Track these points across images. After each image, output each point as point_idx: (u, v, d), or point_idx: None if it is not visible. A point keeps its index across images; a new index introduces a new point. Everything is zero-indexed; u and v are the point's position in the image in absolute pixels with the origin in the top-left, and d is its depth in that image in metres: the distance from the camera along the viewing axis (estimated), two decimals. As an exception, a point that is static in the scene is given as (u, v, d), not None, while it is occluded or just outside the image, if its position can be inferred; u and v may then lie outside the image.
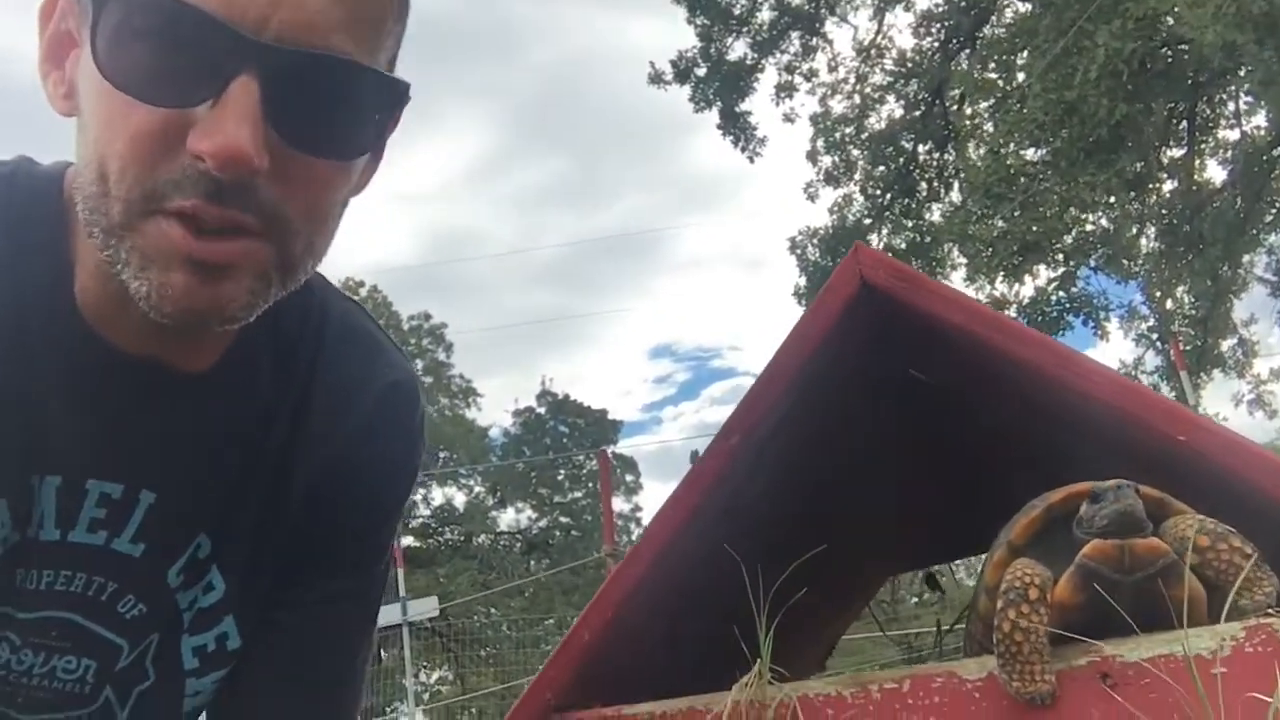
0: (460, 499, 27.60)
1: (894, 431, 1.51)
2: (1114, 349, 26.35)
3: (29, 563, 0.85)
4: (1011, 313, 11.67)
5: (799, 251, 14.79)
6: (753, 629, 1.04)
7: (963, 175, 13.01)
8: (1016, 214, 10.56)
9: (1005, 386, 1.22)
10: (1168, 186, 12.01)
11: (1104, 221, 11.94)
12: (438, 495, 27.38)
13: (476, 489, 28.00)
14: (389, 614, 10.40)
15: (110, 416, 0.85)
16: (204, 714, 1.02)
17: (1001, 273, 11.24)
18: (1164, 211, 11.58)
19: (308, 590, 0.99)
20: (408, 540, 25.44)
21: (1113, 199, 11.02)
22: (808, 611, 1.63)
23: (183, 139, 0.70)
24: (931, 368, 1.30)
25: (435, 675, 21.02)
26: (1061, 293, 11.84)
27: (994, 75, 12.52)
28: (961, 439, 1.58)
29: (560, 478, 27.88)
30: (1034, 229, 10.46)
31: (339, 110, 0.75)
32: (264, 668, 0.99)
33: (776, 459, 1.22)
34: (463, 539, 26.54)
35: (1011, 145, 10.91)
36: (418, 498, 26.81)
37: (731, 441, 1.13)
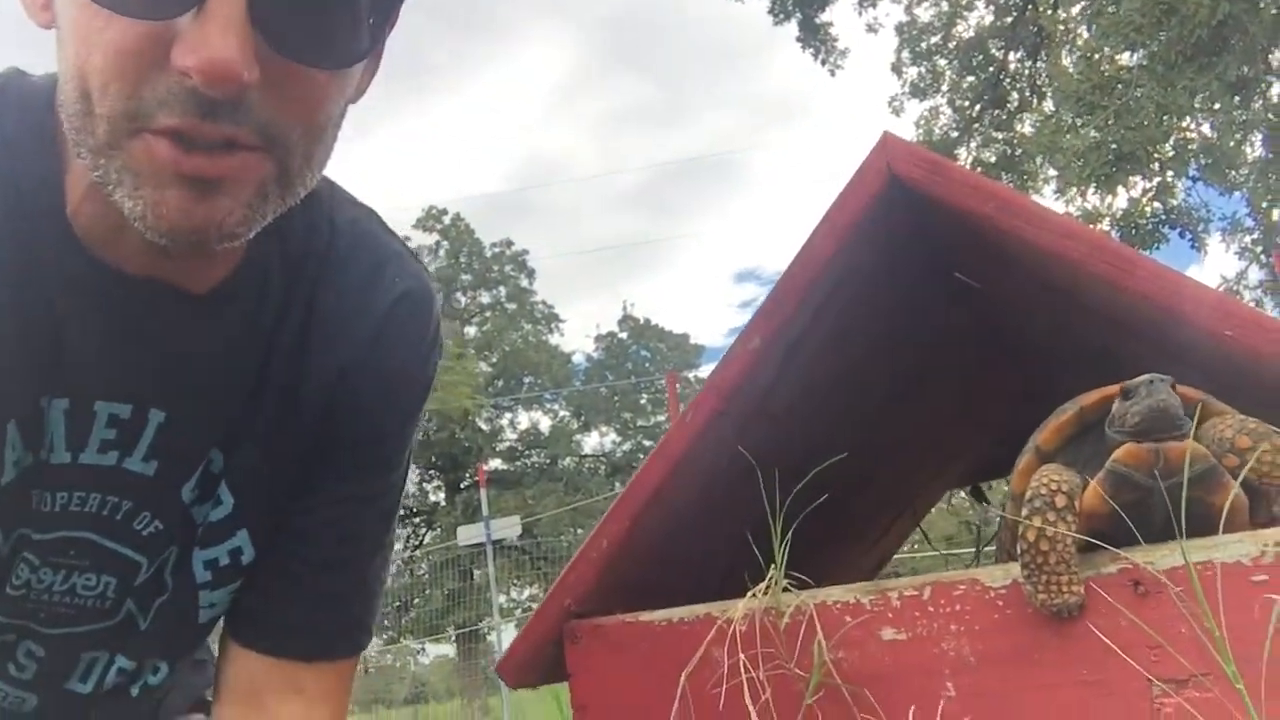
0: (545, 423, 28.13)
1: (935, 338, 1.44)
2: (1215, 263, 25.53)
3: (43, 484, 0.86)
4: (1104, 226, 11.24)
5: (883, 168, 14.43)
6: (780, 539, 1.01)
7: (1055, 84, 12.47)
8: (1110, 122, 10.08)
9: (1051, 288, 1.15)
10: (1275, 90, 11.33)
11: (1205, 129, 11.36)
12: (523, 419, 27.93)
13: (561, 413, 28.44)
14: (474, 533, 10.70)
15: (116, 338, 0.84)
16: (220, 620, 1.04)
17: (1093, 185, 10.78)
18: (1271, 117, 10.92)
19: (320, 498, 0.99)
20: (495, 463, 26.04)
21: (1216, 105, 10.45)
22: (846, 527, 1.60)
23: (167, 52, 0.66)
24: (973, 268, 1.23)
25: (526, 592, 21.61)
26: (1157, 204, 11.34)
27: (1089, -24, 11.89)
28: (1011, 346, 1.51)
29: (643, 401, 28.13)
30: (1129, 137, 9.98)
31: (331, 15, 0.71)
32: (277, 575, 1.00)
33: (805, 365, 1.17)
34: (548, 461, 27.05)
35: (1105, 50, 10.37)
36: (504, 422, 27.34)
37: (751, 345, 1.09)
